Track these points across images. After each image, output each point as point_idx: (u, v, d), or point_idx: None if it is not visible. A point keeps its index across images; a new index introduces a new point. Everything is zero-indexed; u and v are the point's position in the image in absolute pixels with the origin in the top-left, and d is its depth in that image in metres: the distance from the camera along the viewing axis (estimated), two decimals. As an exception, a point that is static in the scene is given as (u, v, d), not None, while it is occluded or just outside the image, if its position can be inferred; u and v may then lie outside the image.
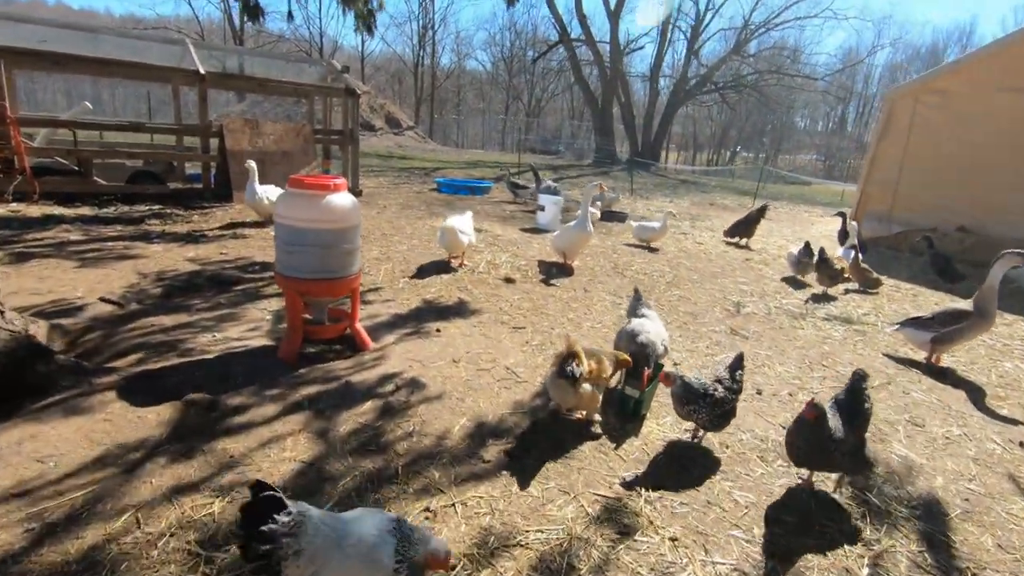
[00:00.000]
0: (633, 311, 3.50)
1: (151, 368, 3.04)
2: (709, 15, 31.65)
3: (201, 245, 5.81)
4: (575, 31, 27.76)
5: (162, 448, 2.38)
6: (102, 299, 3.85)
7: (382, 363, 3.42)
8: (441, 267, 5.82)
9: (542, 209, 8.86)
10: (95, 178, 8.20)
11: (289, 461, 2.40)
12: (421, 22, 45.94)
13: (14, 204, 7.02)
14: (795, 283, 6.73)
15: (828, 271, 6.16)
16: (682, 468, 2.68)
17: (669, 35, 29.94)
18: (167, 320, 3.70)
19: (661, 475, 2.60)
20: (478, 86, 58.89)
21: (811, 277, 6.95)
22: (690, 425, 2.94)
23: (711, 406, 2.66)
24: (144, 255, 5.19)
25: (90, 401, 2.61)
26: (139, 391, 2.78)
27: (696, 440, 2.91)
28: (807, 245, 6.92)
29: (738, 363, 2.84)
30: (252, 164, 6.48)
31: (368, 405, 2.91)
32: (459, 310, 4.58)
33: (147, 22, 42.28)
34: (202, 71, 8.35)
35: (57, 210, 6.95)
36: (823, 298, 6.15)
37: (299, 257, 3.20)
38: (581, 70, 28.53)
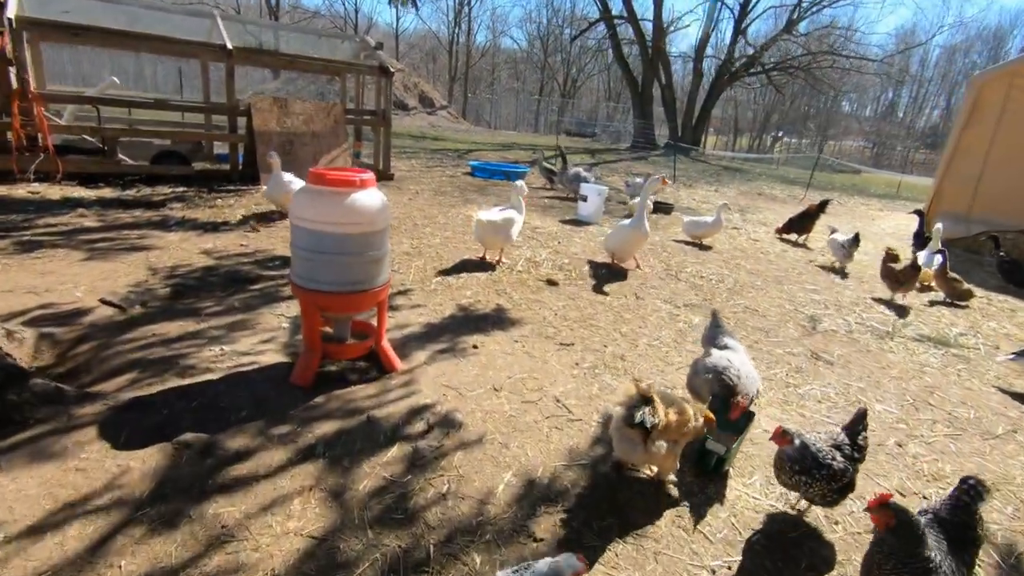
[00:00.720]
0: (712, 340, 2.90)
1: (144, 394, 2.60)
2: (760, -9, 29.90)
3: (220, 234, 5.41)
4: (616, 7, 26.52)
5: (142, 512, 1.93)
6: (103, 301, 3.45)
7: (412, 390, 2.92)
8: (477, 264, 5.29)
9: (584, 199, 8.22)
10: (120, 157, 7.90)
11: (294, 536, 1.92)
12: (457, -2, 44.90)
13: (36, 184, 6.75)
14: (849, 282, 5.98)
15: (913, 279, 5.48)
16: (786, 556, 2.11)
17: (716, 13, 28.34)
18: (172, 328, 3.28)
19: (760, 567, 2.04)
20: (512, 64, 57.68)
21: (851, 266, 6.98)
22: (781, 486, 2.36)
23: (827, 479, 2.08)
24: (158, 246, 4.80)
25: (64, 442, 2.18)
26: (125, 426, 2.34)
27: (798, 511, 2.34)
28: (856, 236, 6.81)
29: (859, 422, 2.24)
30: (276, 158, 5.98)
31: (394, 452, 2.41)
32: (498, 320, 4.05)
33: (185, -3, 42.38)
34: (229, 46, 7.91)
35: (77, 191, 6.65)
36: (906, 311, 5.41)
37: (318, 266, 2.71)
38: (622, 49, 27.33)
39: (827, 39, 31.22)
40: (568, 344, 3.77)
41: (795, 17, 29.26)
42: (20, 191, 6.35)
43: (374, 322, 3.18)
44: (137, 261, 4.32)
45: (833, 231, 7.34)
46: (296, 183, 6.18)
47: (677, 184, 14.83)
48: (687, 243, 7.47)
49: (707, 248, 7.31)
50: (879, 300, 5.67)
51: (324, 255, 2.68)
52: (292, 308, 3.79)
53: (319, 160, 8.67)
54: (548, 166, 11.34)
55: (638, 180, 10.79)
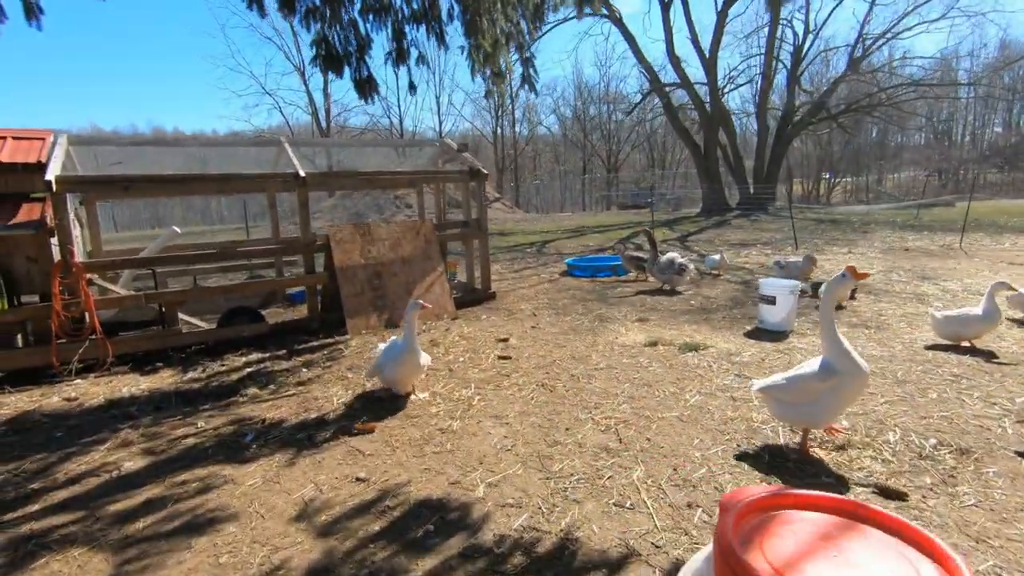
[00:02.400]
0: None
1: None
2: (811, 38, 28.66)
3: (320, 454, 3.52)
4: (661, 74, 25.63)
5: None
6: None
7: None
8: (727, 469, 3.14)
9: (771, 302, 6.06)
10: (182, 319, 6.46)
11: None
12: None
13: (77, 380, 5.25)
14: None
15: None
16: None
17: (774, 66, 27.03)
18: None
19: None
20: (552, 147, 58.39)
21: None
22: None
23: None
24: (230, 508, 2.92)
25: None
26: None
27: None
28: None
29: None
30: (417, 309, 4.23)
31: None
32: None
33: (245, 134, 45.31)
34: (302, 173, 6.57)
35: (127, 385, 5.07)
36: None
37: None
38: (677, 115, 26.18)
39: (896, 71, 29.25)
40: None
41: (856, 55, 27.63)
42: (55, 398, 4.80)
43: None
44: (196, 567, 2.41)
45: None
46: (424, 357, 4.33)
47: (799, 251, 12.53)
48: (950, 348, 5.16)
49: (992, 356, 4.94)
50: None
51: None
52: None
53: (413, 291, 7.00)
54: (635, 254, 9.47)
55: (792, 260, 8.60)
